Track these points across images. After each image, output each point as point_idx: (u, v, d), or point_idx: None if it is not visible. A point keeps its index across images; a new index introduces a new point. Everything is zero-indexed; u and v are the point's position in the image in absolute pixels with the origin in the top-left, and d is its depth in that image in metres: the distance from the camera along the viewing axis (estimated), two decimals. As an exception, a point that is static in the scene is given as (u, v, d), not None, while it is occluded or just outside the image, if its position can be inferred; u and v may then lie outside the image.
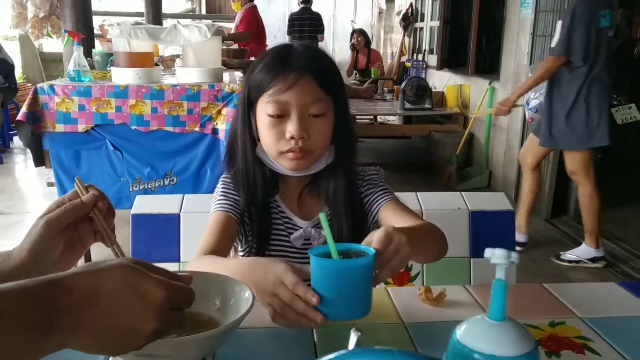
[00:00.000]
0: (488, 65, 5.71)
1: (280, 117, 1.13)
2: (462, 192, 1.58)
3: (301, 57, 1.15)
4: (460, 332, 0.61)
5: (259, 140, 1.21)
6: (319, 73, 1.14)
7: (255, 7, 6.43)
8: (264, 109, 1.15)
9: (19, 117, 2.94)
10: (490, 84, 5.29)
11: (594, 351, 0.88)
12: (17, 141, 6.49)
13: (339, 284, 0.81)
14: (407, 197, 1.56)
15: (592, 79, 3.30)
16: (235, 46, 4.83)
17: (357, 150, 1.27)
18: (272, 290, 0.84)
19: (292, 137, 1.12)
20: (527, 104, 4.09)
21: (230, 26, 6.74)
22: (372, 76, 7.29)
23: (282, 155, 1.16)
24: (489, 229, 1.52)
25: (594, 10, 3.21)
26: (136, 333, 0.62)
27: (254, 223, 1.22)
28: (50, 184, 3.15)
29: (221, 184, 1.27)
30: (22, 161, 6.17)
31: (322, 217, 0.89)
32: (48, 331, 0.56)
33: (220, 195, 1.24)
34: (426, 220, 1.21)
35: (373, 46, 8.70)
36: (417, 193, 1.56)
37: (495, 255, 0.60)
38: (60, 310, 0.57)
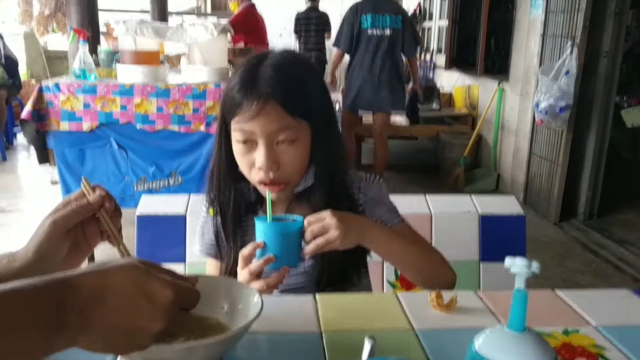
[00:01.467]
0: (497, 66, 5.67)
1: (249, 143, 1.08)
2: (472, 195, 1.56)
3: (268, 81, 1.05)
4: (479, 343, 0.60)
5: None
6: (287, 99, 1.05)
7: (253, 5, 6.35)
8: (234, 135, 1.10)
9: (23, 115, 2.93)
10: (499, 84, 5.25)
11: (608, 360, 0.86)
12: (20, 138, 6.50)
13: (272, 240, 1.01)
14: (416, 200, 1.54)
15: (356, 63, 4.65)
16: (241, 45, 4.81)
17: (345, 166, 1.20)
18: (246, 279, 1.02)
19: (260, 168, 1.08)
20: (537, 105, 4.06)
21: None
22: None
23: (256, 183, 1.12)
24: (499, 233, 1.50)
25: (356, 15, 4.58)
26: (143, 332, 0.62)
27: (230, 245, 1.19)
28: (54, 182, 3.14)
29: (202, 221, 1.27)
30: (25, 158, 6.16)
31: (268, 193, 1.05)
32: (57, 329, 0.56)
33: (204, 235, 1.26)
34: (436, 251, 1.20)
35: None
36: (427, 195, 1.54)
37: (515, 264, 0.57)
38: (69, 309, 0.57)
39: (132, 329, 0.61)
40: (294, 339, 0.88)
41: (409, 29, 4.64)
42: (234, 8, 6.49)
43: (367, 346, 0.60)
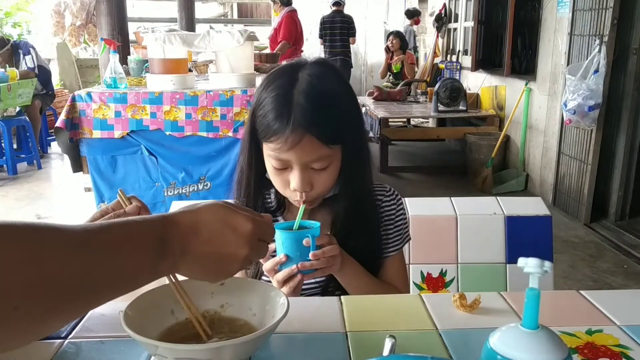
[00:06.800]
0: (524, 66, 5.62)
1: (283, 166, 1.10)
2: (498, 197, 1.56)
3: (303, 113, 1.04)
4: (494, 340, 0.62)
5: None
6: (322, 131, 1.05)
7: (295, 11, 6.53)
8: (268, 156, 1.11)
9: (58, 124, 3.02)
10: (526, 84, 5.21)
11: (632, 360, 0.85)
12: (54, 147, 6.64)
13: (289, 248, 1.07)
14: (441, 202, 1.55)
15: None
16: (267, 51, 4.87)
17: (369, 180, 1.21)
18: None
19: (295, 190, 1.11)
20: (565, 105, 4.02)
21: (261, 30, 6.84)
22: (394, 71, 7.33)
23: (289, 198, 1.17)
24: (525, 235, 1.50)
25: None
26: (232, 258, 0.74)
27: None
28: (87, 189, 3.21)
29: None
30: (59, 166, 6.28)
31: (302, 207, 1.09)
32: (163, 255, 0.67)
33: None
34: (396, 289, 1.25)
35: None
36: (452, 198, 1.55)
37: (528, 264, 0.60)
38: (171, 239, 0.68)
39: (222, 255, 0.73)
40: (319, 338, 0.90)
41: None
42: (276, 14, 6.77)
43: (387, 345, 0.62)
